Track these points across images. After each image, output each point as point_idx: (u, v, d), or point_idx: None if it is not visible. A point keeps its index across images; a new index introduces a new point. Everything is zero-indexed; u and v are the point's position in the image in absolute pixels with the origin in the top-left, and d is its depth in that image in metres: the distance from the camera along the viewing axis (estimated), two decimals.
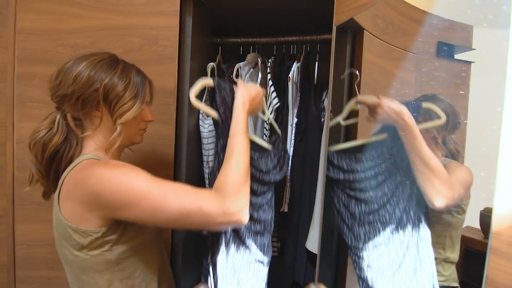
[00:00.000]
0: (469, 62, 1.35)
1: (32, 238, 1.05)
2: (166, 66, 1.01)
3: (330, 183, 0.89)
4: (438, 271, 0.73)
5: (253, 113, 0.76)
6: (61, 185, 0.64)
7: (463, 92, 1.30)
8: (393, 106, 0.72)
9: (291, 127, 1.06)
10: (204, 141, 1.17)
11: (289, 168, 1.06)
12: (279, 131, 0.93)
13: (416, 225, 0.75)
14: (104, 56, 0.69)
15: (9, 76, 1.02)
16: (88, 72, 0.65)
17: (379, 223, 0.81)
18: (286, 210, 1.09)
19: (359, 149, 0.86)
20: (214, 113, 0.75)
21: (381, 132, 0.83)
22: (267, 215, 0.87)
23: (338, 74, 1.04)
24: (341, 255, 1.07)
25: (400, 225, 0.76)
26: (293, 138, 1.06)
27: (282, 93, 1.09)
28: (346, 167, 0.85)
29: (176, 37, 1.01)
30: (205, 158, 1.21)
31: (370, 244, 0.81)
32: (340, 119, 0.86)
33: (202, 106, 0.74)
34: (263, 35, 1.23)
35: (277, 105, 1.06)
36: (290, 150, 1.06)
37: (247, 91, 0.74)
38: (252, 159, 0.75)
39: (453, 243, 0.74)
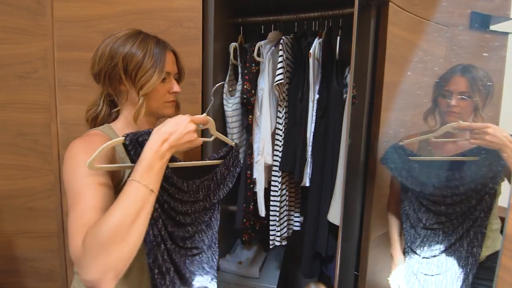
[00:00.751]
0: (506, 33, 1.28)
1: None
2: (191, 47, 1.05)
3: (405, 189, 0.95)
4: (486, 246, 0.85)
5: (182, 150, 0.63)
6: None
7: (497, 65, 1.24)
8: (502, 138, 0.75)
9: (312, 103, 1.07)
10: (228, 119, 1.22)
11: (311, 142, 1.08)
12: (232, 143, 0.82)
13: (472, 241, 0.85)
14: (126, 32, 0.69)
15: (49, 62, 1.11)
16: (109, 49, 0.66)
17: (441, 232, 0.89)
18: (307, 184, 1.13)
19: (441, 166, 0.91)
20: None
21: (472, 154, 0.85)
22: (204, 238, 0.78)
23: (361, 49, 1.03)
24: (363, 229, 1.10)
25: (459, 241, 0.86)
26: (314, 114, 1.08)
27: (302, 69, 1.10)
28: (425, 180, 0.90)
29: (200, 18, 1.04)
30: (229, 136, 1.26)
31: (426, 246, 0.87)
32: (432, 136, 0.88)
33: (104, 168, 0.60)
34: (284, 12, 1.23)
35: (280, 81, 1.07)
36: (312, 126, 1.08)
37: (164, 127, 0.60)
38: (179, 190, 0.68)
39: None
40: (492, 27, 1.20)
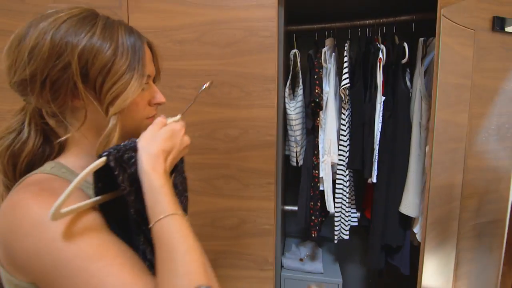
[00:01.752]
0: None
1: None
2: (267, 55, 1.11)
3: None
4: None
5: (176, 160, 0.49)
6: None
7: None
8: None
9: (379, 104, 1.16)
10: (292, 122, 1.28)
11: (379, 141, 1.17)
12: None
13: None
14: (73, 12, 0.44)
15: None
16: (49, 38, 0.41)
17: None
18: (374, 180, 1.21)
19: None
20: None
21: None
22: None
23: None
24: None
25: None
26: (381, 114, 1.16)
27: (367, 73, 1.18)
28: None
29: (275, 27, 1.10)
30: (292, 138, 1.32)
31: None
32: None
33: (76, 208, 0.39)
34: (336, 20, 1.31)
35: (346, 85, 1.15)
36: (379, 126, 1.17)
37: (157, 145, 0.44)
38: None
39: None
40: (507, 29, 1.34)
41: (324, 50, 1.21)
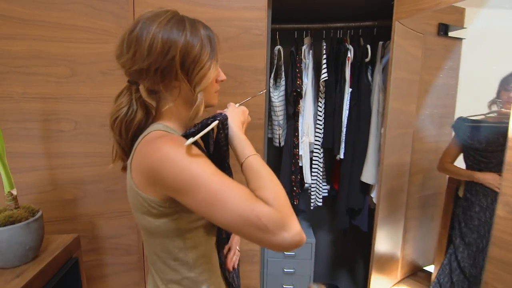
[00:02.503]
0: (461, 39, 1.78)
1: None
2: (257, 51, 1.30)
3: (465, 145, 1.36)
4: None
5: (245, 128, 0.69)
6: (133, 154, 0.59)
7: (454, 65, 1.74)
8: None
9: (347, 95, 1.42)
10: (276, 108, 1.51)
11: (346, 125, 1.44)
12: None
13: None
14: (168, 15, 0.58)
15: None
16: (160, 38, 0.55)
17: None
18: (342, 157, 1.48)
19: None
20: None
21: None
22: None
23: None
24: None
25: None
26: (348, 103, 1.43)
27: (339, 69, 1.44)
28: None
29: (265, 27, 1.29)
30: (276, 123, 1.54)
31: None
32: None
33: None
34: (313, 22, 1.54)
35: (326, 78, 1.41)
36: (346, 112, 1.44)
37: (238, 117, 0.66)
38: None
39: None
40: (451, 34, 1.68)
41: (303, 47, 1.44)
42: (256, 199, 0.51)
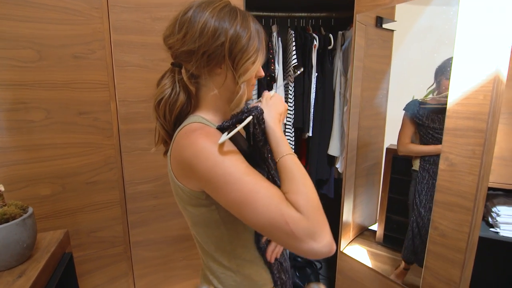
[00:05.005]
0: (392, 30, 2.11)
1: (138, 177, 1.33)
2: None
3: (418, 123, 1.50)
4: None
5: (284, 118, 0.67)
6: (172, 144, 0.61)
7: (387, 53, 2.06)
8: None
9: (314, 79, 1.59)
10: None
11: (313, 105, 1.61)
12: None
13: None
14: (222, 4, 0.59)
15: (107, 44, 1.19)
16: (213, 23, 0.56)
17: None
18: (310, 134, 1.67)
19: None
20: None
21: None
22: None
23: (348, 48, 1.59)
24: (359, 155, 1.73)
25: None
26: (314, 86, 1.60)
27: (306, 56, 1.59)
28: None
29: None
30: (250, 103, 1.64)
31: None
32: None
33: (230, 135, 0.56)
34: (278, 10, 1.65)
35: (295, 64, 1.56)
36: (313, 94, 1.61)
37: (274, 108, 0.63)
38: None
39: None
40: (385, 26, 1.99)
41: (274, 34, 1.54)
42: (287, 203, 0.50)
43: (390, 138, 1.94)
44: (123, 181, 1.31)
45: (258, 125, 0.60)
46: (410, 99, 1.60)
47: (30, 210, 0.89)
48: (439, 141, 1.41)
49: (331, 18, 1.66)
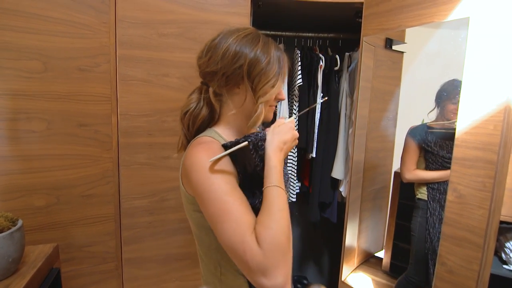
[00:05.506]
0: (402, 52, 2.09)
1: (135, 192, 1.31)
2: None
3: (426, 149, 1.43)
4: None
5: (291, 148, 0.67)
6: (185, 151, 0.67)
7: (397, 74, 2.03)
8: None
9: (319, 99, 1.57)
10: None
11: (318, 126, 1.58)
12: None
13: None
14: (247, 32, 0.65)
15: (112, 58, 1.20)
16: (234, 48, 0.62)
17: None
18: (314, 155, 1.63)
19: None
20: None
21: None
22: None
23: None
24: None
25: None
26: (319, 106, 1.58)
27: (312, 75, 1.58)
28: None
29: None
30: None
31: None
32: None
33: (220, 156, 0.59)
34: (286, 30, 1.66)
35: (300, 84, 1.54)
36: (318, 115, 1.58)
37: (279, 137, 0.62)
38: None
39: None
40: (395, 47, 1.97)
41: None
42: (252, 233, 0.51)
43: (399, 162, 1.88)
44: (119, 195, 1.29)
45: (255, 151, 0.61)
46: (420, 123, 1.55)
47: (20, 223, 0.88)
48: (445, 166, 1.38)
49: (338, 39, 1.66)
